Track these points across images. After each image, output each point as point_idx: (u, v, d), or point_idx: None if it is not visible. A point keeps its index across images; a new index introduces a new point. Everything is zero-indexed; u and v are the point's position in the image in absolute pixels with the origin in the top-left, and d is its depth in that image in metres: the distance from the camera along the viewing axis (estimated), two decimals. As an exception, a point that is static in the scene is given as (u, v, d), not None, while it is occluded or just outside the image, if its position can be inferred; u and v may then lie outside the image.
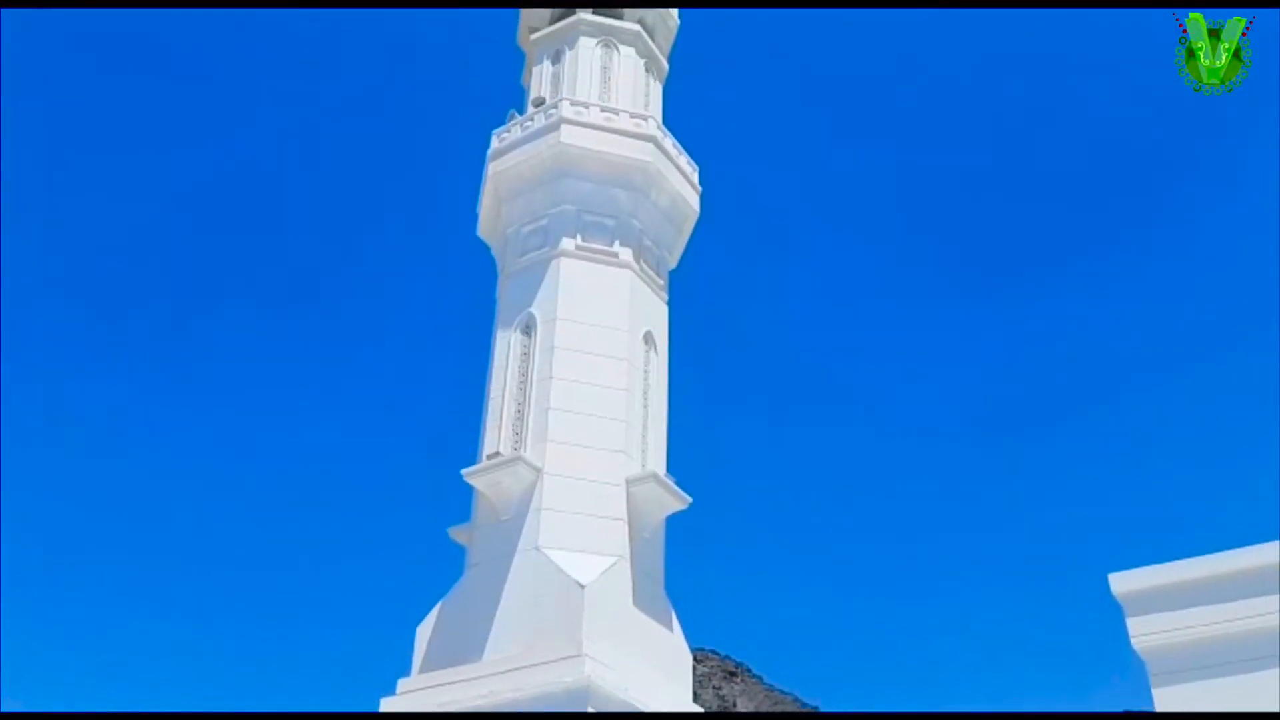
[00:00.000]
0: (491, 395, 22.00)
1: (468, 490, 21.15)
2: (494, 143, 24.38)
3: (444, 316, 51.69)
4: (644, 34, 26.13)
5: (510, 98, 26.94)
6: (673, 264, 24.82)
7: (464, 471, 20.73)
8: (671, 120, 25.71)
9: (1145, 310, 50.31)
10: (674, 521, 21.58)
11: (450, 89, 53.00)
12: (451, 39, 53.34)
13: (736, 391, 49.81)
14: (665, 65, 26.98)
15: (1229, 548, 10.71)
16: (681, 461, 22.13)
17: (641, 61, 25.83)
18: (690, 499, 21.29)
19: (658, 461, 21.49)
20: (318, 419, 52.39)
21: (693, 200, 24.75)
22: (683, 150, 24.95)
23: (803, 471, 49.58)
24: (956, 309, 53.33)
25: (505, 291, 23.35)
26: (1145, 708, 11.06)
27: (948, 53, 52.64)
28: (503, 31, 28.93)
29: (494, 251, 25.01)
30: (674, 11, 27.55)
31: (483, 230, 25.14)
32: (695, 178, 25.08)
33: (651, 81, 26.09)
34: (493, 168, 23.99)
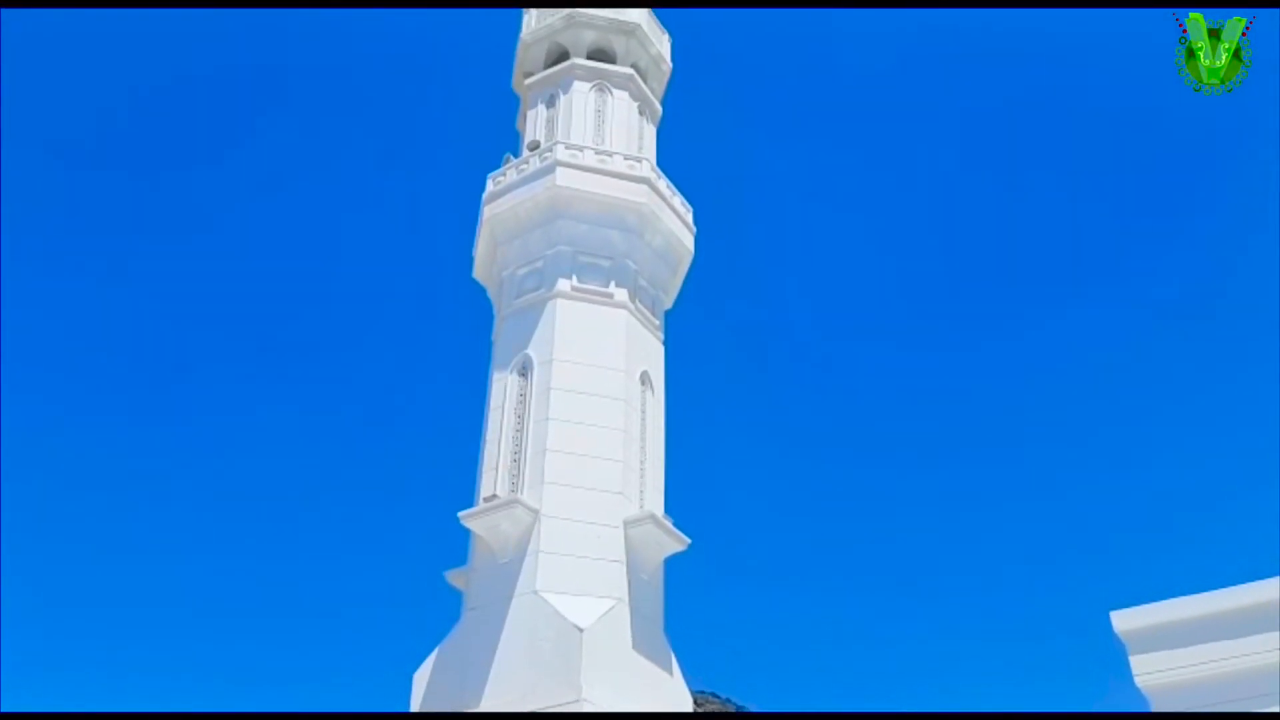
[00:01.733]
0: (488, 437, 21.95)
1: (464, 533, 21.03)
2: (489, 186, 24.55)
3: (440, 359, 51.75)
4: (637, 78, 26.43)
5: (505, 142, 27.23)
6: (668, 304, 24.90)
7: (461, 514, 20.62)
8: (665, 162, 25.96)
9: (1147, 327, 50.50)
10: (673, 563, 21.45)
11: (445, 133, 53.44)
12: (446, 83, 53.89)
13: (734, 431, 49.77)
14: (659, 108, 27.26)
15: (1223, 582, 10.66)
16: (680, 502, 22.07)
17: (635, 105, 26.10)
18: (689, 540, 21.17)
19: (656, 502, 21.40)
20: (310, 463, 52.22)
21: (687, 240, 24.88)
22: (676, 191, 25.14)
23: (804, 511, 49.43)
24: (956, 343, 53.45)
25: (501, 333, 23.39)
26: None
27: (946, 86, 53.21)
28: (497, 76, 29.30)
29: (490, 294, 25.09)
30: (667, 55, 27.90)
31: (478, 273, 25.23)
32: (690, 218, 25.24)
33: (645, 124, 26.34)
34: (488, 210, 24.13)
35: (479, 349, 24.74)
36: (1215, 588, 10.72)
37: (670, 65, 27.95)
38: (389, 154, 56.29)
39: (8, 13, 37.88)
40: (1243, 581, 10.64)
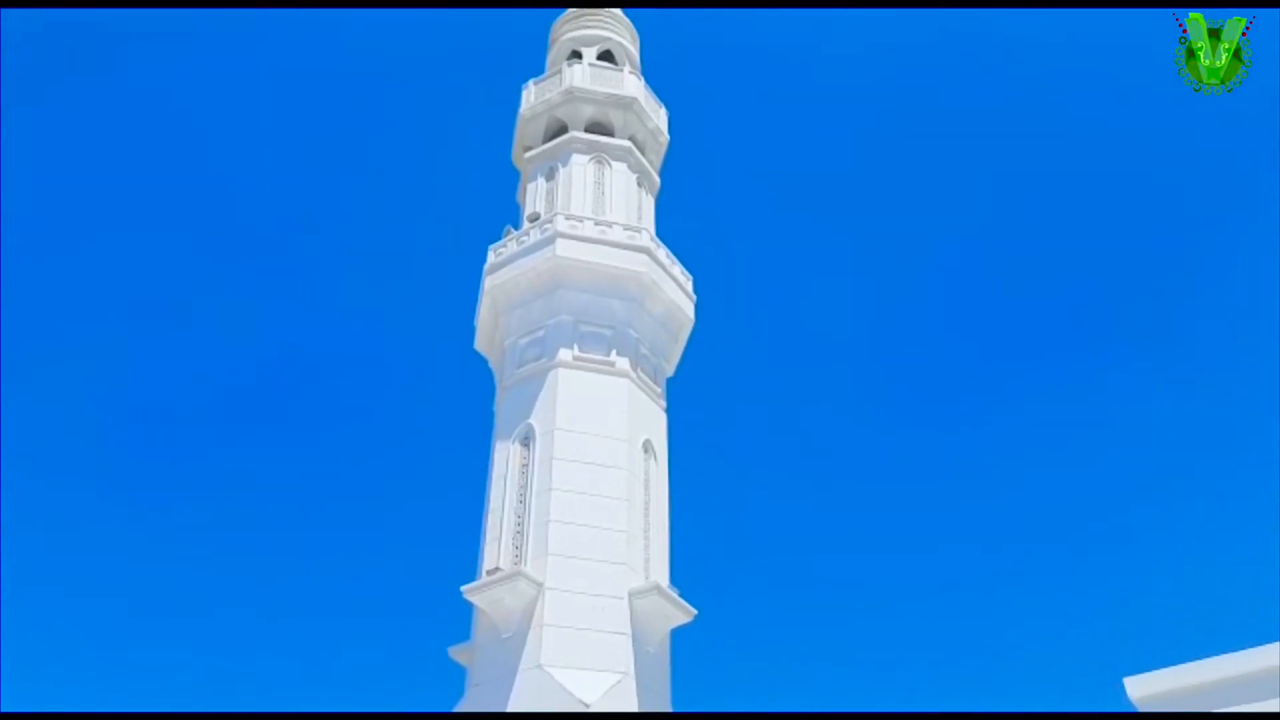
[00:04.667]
0: (491, 509, 21.81)
1: (467, 608, 20.80)
2: (490, 257, 24.78)
3: (441, 430, 51.60)
4: (635, 149, 26.83)
5: (505, 214, 27.56)
6: (670, 372, 24.94)
7: (464, 588, 20.41)
8: (665, 232, 26.24)
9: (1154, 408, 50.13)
10: (679, 635, 21.16)
11: (445, 205, 54.10)
12: (446, 157, 54.71)
13: (740, 499, 49.35)
14: (657, 179, 27.63)
15: (1233, 646, 10.53)
16: (685, 573, 21.83)
17: (633, 176, 26.46)
18: (695, 611, 20.91)
19: (661, 573, 21.17)
20: (309, 537, 51.80)
21: (688, 308, 25.02)
22: (676, 260, 25.34)
23: (814, 581, 48.76)
24: (962, 409, 53.21)
25: (503, 403, 23.40)
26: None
27: (944, 147, 53.74)
28: (497, 150, 29.76)
29: (491, 364, 25.16)
30: (664, 127, 28.35)
31: (480, 344, 25.34)
32: (690, 286, 25.41)
33: (644, 195, 26.68)
34: (489, 282, 24.32)
35: (480, 420, 24.77)
36: (1226, 652, 10.58)
37: (667, 137, 28.40)
38: (390, 226, 56.96)
39: (8, 13, 38.46)
40: (1253, 646, 10.51)
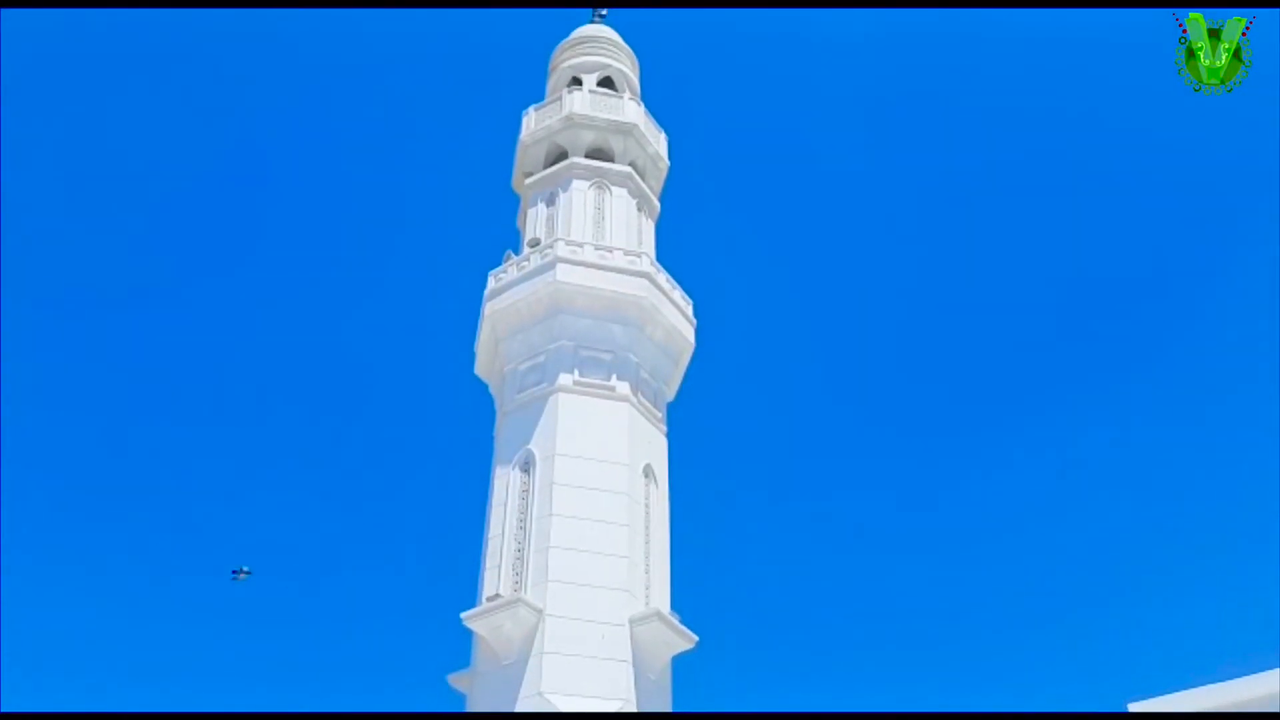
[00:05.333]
0: (490, 535, 21.72)
1: (467, 634, 20.65)
2: (491, 283, 24.81)
3: (441, 456, 51.51)
4: (635, 175, 26.92)
5: (506, 239, 27.63)
6: (670, 397, 24.90)
7: (463, 615, 20.29)
8: (665, 256, 26.28)
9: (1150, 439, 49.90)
10: (681, 662, 20.99)
11: (445, 231, 54.24)
12: (446, 183, 54.88)
13: (742, 524, 49.13)
14: (657, 204, 27.71)
15: (1238, 672, 10.46)
16: (687, 599, 21.70)
17: (633, 201, 26.54)
18: (696, 638, 20.76)
19: (661, 599, 21.05)
20: (308, 563, 51.57)
21: (688, 333, 25.02)
22: (676, 285, 25.37)
23: (817, 606, 48.46)
24: (966, 431, 53.03)
25: (503, 429, 23.35)
26: None
27: (944, 161, 53.86)
28: (497, 175, 29.85)
29: (492, 390, 25.14)
30: (664, 153, 28.47)
31: (480, 369, 25.32)
32: (690, 311, 25.42)
33: (644, 220, 26.75)
34: (490, 307, 24.34)
35: (481, 445, 24.71)
36: (1230, 678, 10.51)
37: (668, 163, 28.51)
38: (391, 251, 57.09)
39: (8, 13, 38.52)
40: (1258, 671, 10.45)
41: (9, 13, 38.58)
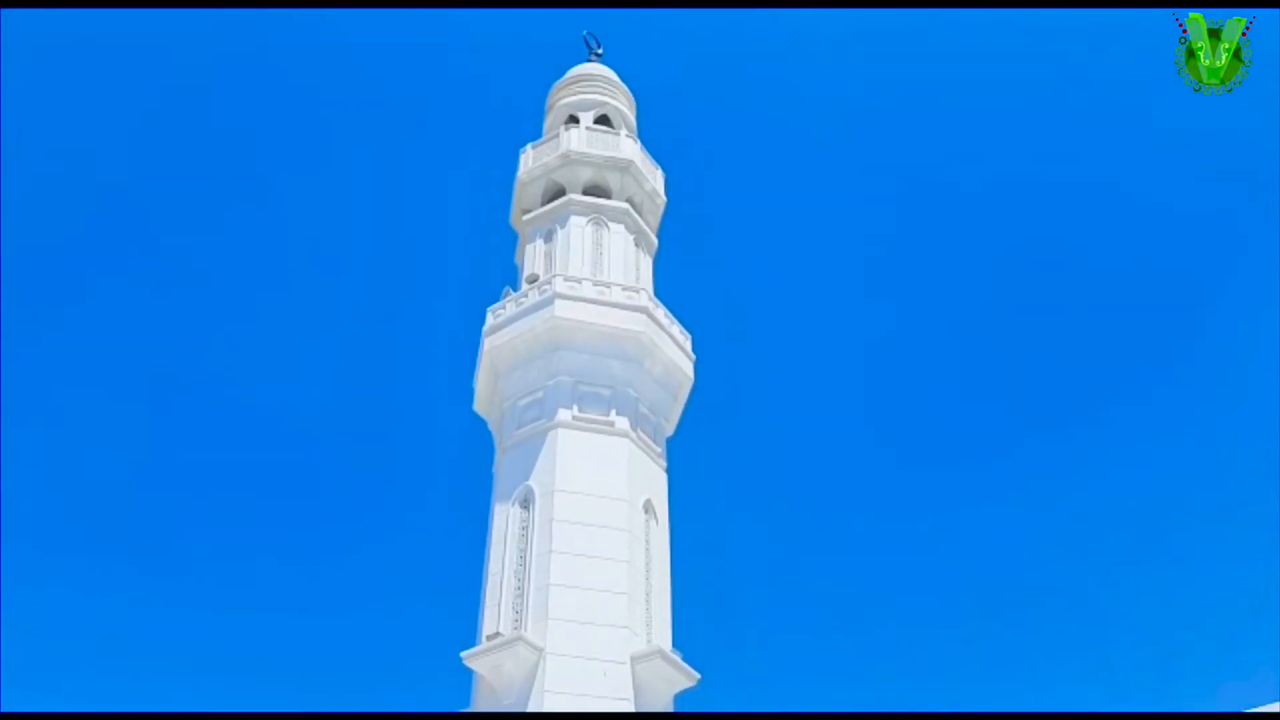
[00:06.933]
0: (490, 572, 21.54)
1: (467, 674, 20.42)
2: (489, 319, 24.81)
3: (440, 493, 51.19)
4: (632, 211, 27.04)
5: (504, 275, 27.67)
6: (670, 431, 24.81)
7: (463, 654, 20.08)
8: (663, 291, 26.33)
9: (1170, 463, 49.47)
10: (683, 701, 20.74)
11: (443, 267, 54.38)
12: (444, 219, 55.09)
13: (743, 560, 48.77)
14: (654, 240, 27.81)
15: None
16: (688, 636, 21.48)
17: (631, 237, 26.63)
18: (699, 675, 20.55)
19: (663, 636, 20.85)
20: (307, 600, 51.10)
21: (687, 367, 24.99)
22: (675, 320, 25.38)
23: (821, 642, 47.98)
24: (967, 463, 52.80)
25: (502, 465, 23.24)
26: None
27: (944, 205, 54.11)
28: (496, 213, 29.95)
29: (490, 426, 25.04)
30: (661, 189, 28.61)
31: (479, 405, 25.25)
32: (688, 345, 25.41)
33: (642, 255, 26.82)
34: (488, 343, 24.32)
35: (480, 482, 24.57)
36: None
37: (665, 198, 28.64)
38: (390, 288, 57.16)
39: (8, 13, 38.58)
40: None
41: (9, 13, 38.72)
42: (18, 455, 46.01)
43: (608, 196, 27.14)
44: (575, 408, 22.87)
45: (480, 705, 19.98)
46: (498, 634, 20.04)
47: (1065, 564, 48.51)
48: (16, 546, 43.49)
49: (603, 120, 29.03)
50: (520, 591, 20.74)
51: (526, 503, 21.95)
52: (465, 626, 21.53)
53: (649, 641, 20.37)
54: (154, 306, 53.93)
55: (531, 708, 19.03)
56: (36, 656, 42.44)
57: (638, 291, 24.76)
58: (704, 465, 41.89)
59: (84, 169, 53.03)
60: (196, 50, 52.29)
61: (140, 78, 53.79)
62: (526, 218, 27.41)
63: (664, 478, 23.70)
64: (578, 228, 26.21)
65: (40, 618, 43.47)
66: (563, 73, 30.65)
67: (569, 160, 27.34)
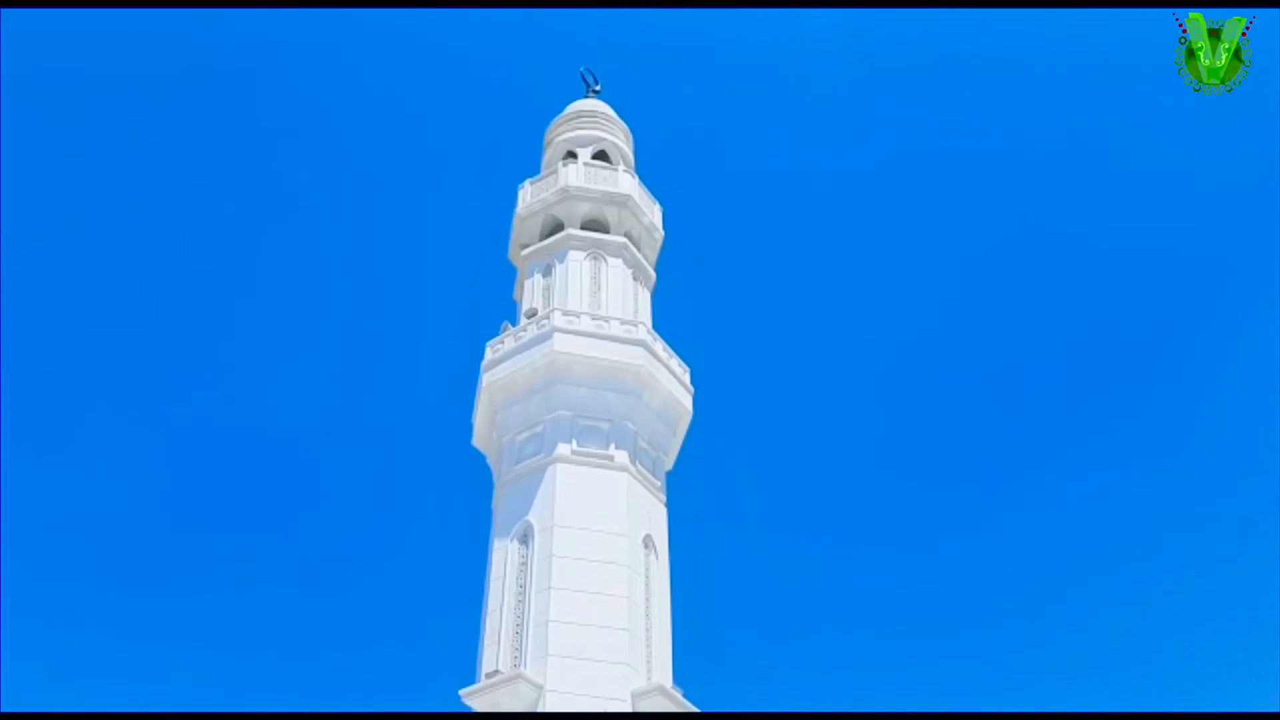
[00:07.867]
0: (489, 609, 21.38)
1: (466, 712, 20.18)
2: (488, 354, 24.81)
3: (438, 529, 51.01)
4: (630, 245, 27.13)
5: (502, 310, 27.71)
6: (669, 465, 24.74)
7: (462, 692, 19.88)
8: (662, 325, 26.35)
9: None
10: (684, 737, 20.50)
11: (442, 303, 54.53)
12: (443, 254, 55.34)
13: (744, 595, 48.50)
14: (653, 274, 27.88)
15: None
16: (688, 672, 21.29)
17: (629, 271, 26.70)
18: (700, 711, 20.32)
19: (663, 672, 20.66)
20: (304, 636, 50.72)
21: (685, 401, 24.96)
22: (674, 353, 25.39)
23: (821, 678, 47.59)
24: (966, 494, 52.59)
25: (501, 501, 23.14)
26: None
27: (942, 231, 54.23)
28: (494, 248, 30.06)
29: (489, 461, 24.96)
30: (659, 223, 28.73)
31: (477, 440, 25.18)
32: (687, 379, 25.39)
33: (640, 289, 26.88)
34: (487, 378, 24.30)
35: (478, 518, 24.45)
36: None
37: (662, 233, 28.75)
38: (388, 324, 57.27)
39: (8, 13, 38.76)
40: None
41: (9, 13, 38.97)
42: (18, 455, 45.92)
43: (606, 231, 27.25)
44: (574, 442, 22.81)
45: (479, 744, 19.75)
46: (497, 671, 19.86)
47: (1072, 593, 48.26)
48: (16, 547, 43.42)
49: (601, 156, 29.21)
50: (520, 628, 20.58)
51: (526, 538, 21.84)
52: (464, 664, 21.36)
53: (649, 678, 20.19)
54: (153, 332, 54.07)
55: (531, 746, 18.81)
56: (37, 657, 42.25)
57: (636, 325, 24.78)
58: (703, 499, 41.77)
59: (82, 177, 53.34)
60: (196, 65, 52.70)
61: (141, 81, 54.20)
62: (525, 253, 27.50)
63: (664, 512, 23.60)
64: (576, 262, 26.29)
65: (39, 617, 43.40)
66: (561, 109, 30.90)
67: (567, 195, 27.48)
